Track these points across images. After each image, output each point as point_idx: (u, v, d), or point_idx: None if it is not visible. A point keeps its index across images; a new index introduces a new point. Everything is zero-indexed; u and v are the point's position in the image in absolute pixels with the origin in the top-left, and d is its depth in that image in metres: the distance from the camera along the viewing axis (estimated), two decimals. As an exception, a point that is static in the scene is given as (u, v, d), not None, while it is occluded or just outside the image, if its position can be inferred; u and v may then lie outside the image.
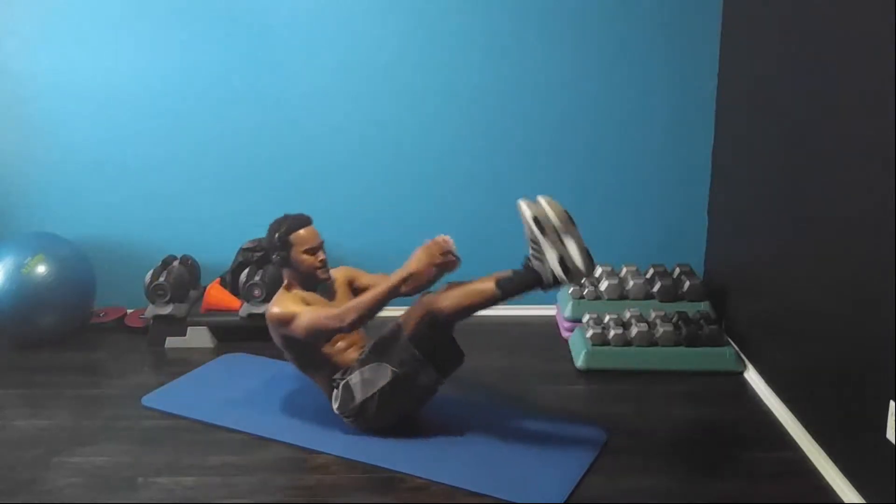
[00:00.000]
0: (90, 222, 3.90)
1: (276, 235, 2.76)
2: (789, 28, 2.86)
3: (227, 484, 2.48)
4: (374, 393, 2.62)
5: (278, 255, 2.78)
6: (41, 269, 3.52)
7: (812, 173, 2.65)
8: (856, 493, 2.31)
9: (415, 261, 2.62)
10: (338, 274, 2.96)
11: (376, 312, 2.61)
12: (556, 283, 2.48)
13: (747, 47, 3.33)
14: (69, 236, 3.79)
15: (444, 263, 2.67)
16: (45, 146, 3.83)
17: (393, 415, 2.68)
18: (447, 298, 2.57)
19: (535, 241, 2.47)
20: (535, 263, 2.51)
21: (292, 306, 2.67)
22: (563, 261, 2.42)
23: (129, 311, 3.90)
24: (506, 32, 3.66)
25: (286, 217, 2.82)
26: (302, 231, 2.77)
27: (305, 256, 2.76)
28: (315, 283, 2.82)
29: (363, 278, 2.99)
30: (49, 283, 3.52)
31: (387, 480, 2.48)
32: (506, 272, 2.59)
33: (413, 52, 3.69)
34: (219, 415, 2.90)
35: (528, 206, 2.49)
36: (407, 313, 2.64)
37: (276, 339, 2.77)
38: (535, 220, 2.45)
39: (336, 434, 2.74)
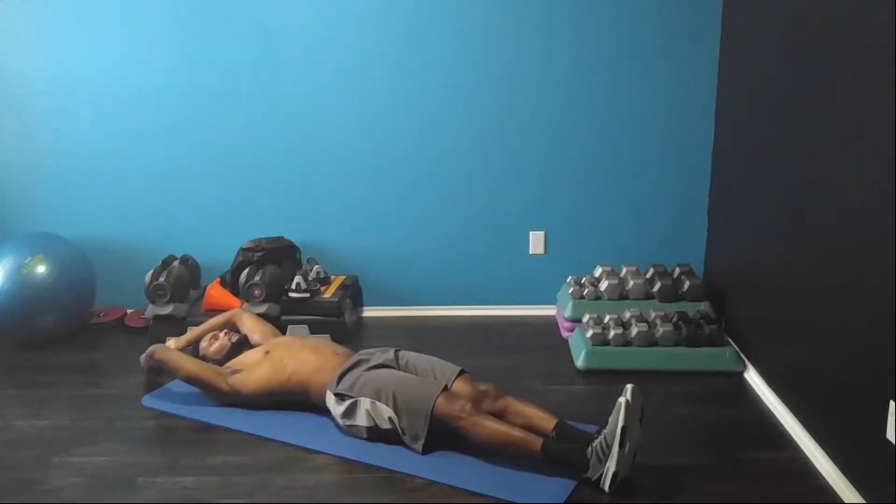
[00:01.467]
0: (90, 222, 3.90)
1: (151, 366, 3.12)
2: (789, 28, 2.86)
3: (226, 484, 2.49)
4: (373, 426, 2.66)
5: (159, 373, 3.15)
6: (41, 269, 3.52)
7: (812, 173, 2.65)
8: (856, 493, 2.31)
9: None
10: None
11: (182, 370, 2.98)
12: (596, 483, 2.37)
13: (747, 47, 3.32)
14: (69, 236, 3.79)
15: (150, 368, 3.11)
16: (45, 146, 3.83)
17: (384, 441, 2.68)
18: (488, 431, 2.48)
19: (609, 442, 2.34)
20: (592, 457, 2.37)
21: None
22: (616, 477, 2.33)
23: (129, 311, 3.89)
24: (506, 33, 3.66)
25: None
26: (202, 344, 3.20)
27: (217, 360, 3.09)
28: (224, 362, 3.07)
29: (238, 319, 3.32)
30: (49, 283, 3.52)
31: (387, 480, 2.48)
32: (552, 428, 2.50)
33: (414, 53, 3.69)
34: (219, 415, 2.90)
35: (626, 411, 2.33)
36: (446, 402, 2.54)
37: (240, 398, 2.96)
38: (624, 430, 2.32)
39: (336, 434, 2.74)
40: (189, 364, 2.95)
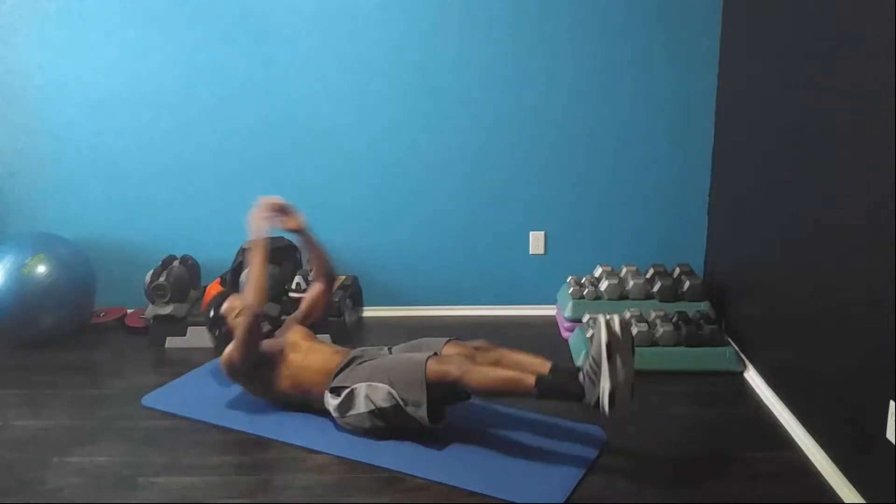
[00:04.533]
0: (90, 222, 3.91)
1: (211, 317, 3.04)
2: (790, 28, 2.86)
3: (227, 484, 2.49)
4: (373, 409, 2.64)
5: (219, 332, 3.03)
6: (41, 269, 3.52)
7: (812, 173, 2.65)
8: (856, 493, 2.31)
9: (251, 229, 2.85)
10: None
11: (261, 279, 2.80)
12: (596, 408, 2.37)
13: (747, 47, 3.33)
14: (69, 236, 3.79)
15: (275, 215, 2.90)
16: (45, 146, 3.83)
17: (386, 431, 2.68)
18: (481, 375, 2.51)
19: (596, 362, 2.35)
20: (586, 382, 2.39)
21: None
22: (614, 395, 2.33)
23: (129, 311, 3.90)
24: (507, 33, 3.66)
25: (214, 298, 3.09)
26: (226, 303, 3.03)
27: (239, 320, 2.86)
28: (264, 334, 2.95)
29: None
30: (49, 283, 3.52)
31: (387, 480, 2.48)
32: (547, 371, 2.52)
33: (414, 54, 3.69)
34: (219, 415, 2.90)
35: (607, 328, 2.35)
36: (438, 362, 2.59)
37: (238, 382, 2.92)
38: (609, 345, 2.33)
39: (336, 434, 2.74)
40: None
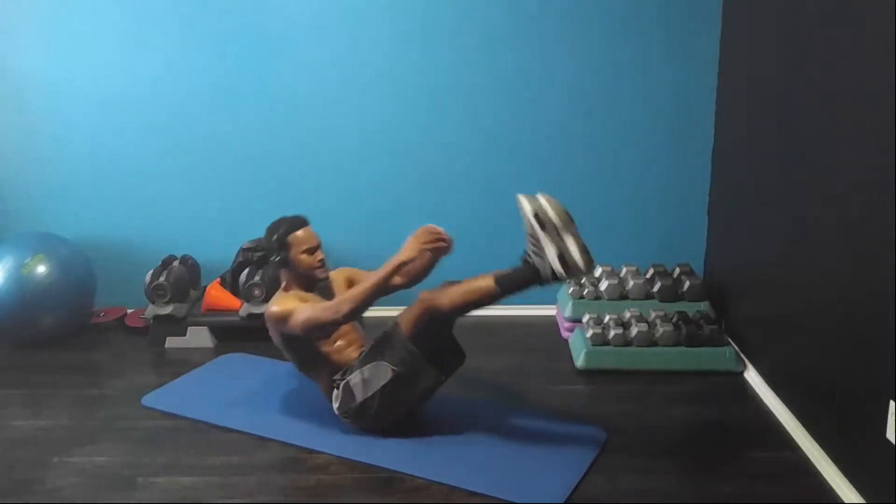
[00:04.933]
0: (90, 222, 3.90)
1: (275, 237, 2.76)
2: (789, 27, 2.86)
3: (227, 484, 2.48)
4: (375, 392, 2.62)
5: (278, 256, 2.77)
6: (41, 269, 3.52)
7: (812, 173, 2.65)
8: (856, 493, 2.31)
9: (406, 249, 2.62)
10: (337, 275, 2.97)
11: (371, 302, 2.62)
12: (556, 278, 2.47)
13: (747, 47, 3.33)
14: (69, 236, 3.79)
15: (436, 248, 2.67)
16: (45, 146, 3.83)
17: (394, 413, 2.68)
18: (446, 296, 2.57)
19: (534, 237, 2.47)
20: (534, 259, 2.51)
21: (290, 304, 2.68)
22: (563, 256, 2.42)
23: (129, 311, 3.89)
24: (506, 32, 3.66)
25: (283, 219, 2.81)
26: (300, 232, 2.77)
27: (304, 257, 2.76)
28: (314, 282, 2.82)
29: (362, 277, 2.95)
30: (49, 283, 3.52)
31: (387, 480, 2.48)
32: (504, 270, 2.60)
33: (414, 53, 3.69)
34: (219, 415, 2.90)
35: (529, 201, 2.50)
36: (405, 312, 2.65)
37: (276, 339, 2.78)
38: (536, 215, 2.46)
39: (336, 434, 2.74)
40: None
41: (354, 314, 2.61)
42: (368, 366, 2.64)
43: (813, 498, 2.37)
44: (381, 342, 2.67)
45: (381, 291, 2.64)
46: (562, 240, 2.45)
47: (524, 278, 2.55)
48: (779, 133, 2.94)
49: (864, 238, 2.28)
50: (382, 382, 2.61)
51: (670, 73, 3.68)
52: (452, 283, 2.65)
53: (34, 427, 2.87)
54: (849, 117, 2.39)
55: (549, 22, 3.64)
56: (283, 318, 2.66)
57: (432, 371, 2.62)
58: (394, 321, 2.67)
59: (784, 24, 2.91)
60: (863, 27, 2.31)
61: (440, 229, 2.69)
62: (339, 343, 2.79)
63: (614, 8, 3.62)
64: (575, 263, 2.44)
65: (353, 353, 2.78)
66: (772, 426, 2.80)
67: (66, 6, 3.67)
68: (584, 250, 2.47)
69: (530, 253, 2.53)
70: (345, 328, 2.79)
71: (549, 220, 2.47)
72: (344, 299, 2.61)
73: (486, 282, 2.56)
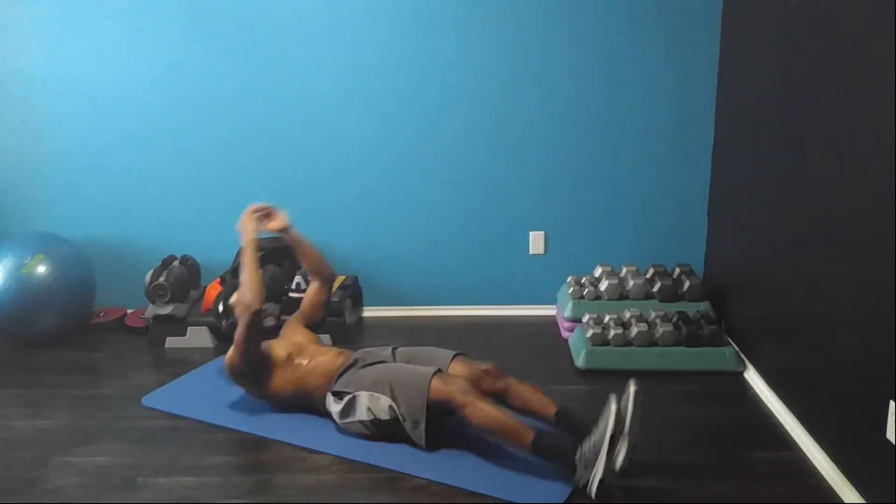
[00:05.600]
0: (90, 222, 3.91)
1: (220, 307, 3.07)
2: (789, 28, 2.86)
3: (227, 484, 2.49)
4: (374, 419, 2.64)
5: (226, 324, 3.07)
6: (41, 269, 3.52)
7: (812, 173, 2.65)
8: (856, 493, 2.31)
9: (244, 231, 2.89)
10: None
11: (255, 276, 2.79)
12: (583, 488, 2.33)
13: (747, 48, 3.32)
14: (69, 236, 3.79)
15: (261, 218, 2.95)
16: (45, 146, 3.83)
17: (386, 437, 2.67)
18: (482, 414, 2.46)
19: (596, 450, 2.30)
20: (580, 461, 2.34)
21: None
22: (602, 484, 2.28)
23: (129, 311, 3.90)
24: (506, 34, 3.66)
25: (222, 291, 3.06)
26: (235, 295, 2.93)
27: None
28: (264, 332, 2.94)
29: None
30: (49, 283, 3.52)
31: (387, 480, 2.48)
32: (552, 414, 2.51)
33: (414, 53, 3.69)
34: (219, 415, 2.90)
35: (616, 417, 2.29)
36: (446, 381, 2.55)
37: (240, 384, 2.91)
38: (613, 437, 2.27)
39: (336, 434, 2.74)
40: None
41: (254, 292, 2.76)
42: (378, 394, 2.63)
43: (813, 498, 2.37)
44: (406, 378, 2.62)
45: (254, 267, 2.82)
46: (616, 464, 2.27)
47: (558, 462, 2.40)
48: (778, 133, 2.94)
49: (864, 238, 2.28)
50: (381, 416, 2.62)
51: (670, 73, 3.68)
52: (501, 377, 2.64)
53: (34, 427, 2.87)
54: (849, 117, 2.39)
55: (550, 23, 3.64)
56: (227, 362, 2.84)
57: (422, 436, 2.58)
58: (429, 375, 2.57)
59: (784, 25, 2.91)
60: (863, 27, 2.31)
61: (263, 203, 2.99)
62: (299, 365, 2.86)
63: (614, 8, 3.62)
64: (609, 490, 2.30)
65: (328, 364, 2.83)
66: (772, 426, 2.81)
67: (67, 8, 3.67)
68: (631, 455, 2.31)
69: (584, 453, 2.33)
70: (300, 345, 2.93)
71: (620, 443, 2.29)
72: (240, 290, 2.80)
73: (525, 433, 2.40)
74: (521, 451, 2.45)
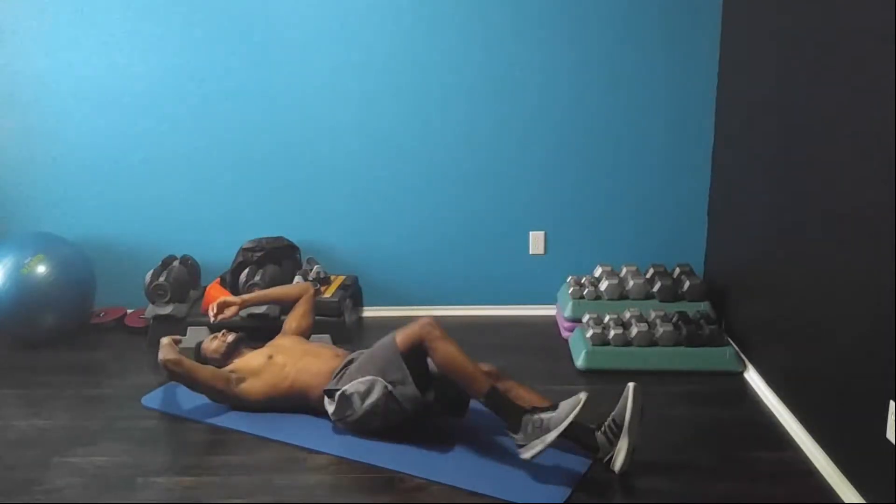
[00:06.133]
0: (90, 222, 3.91)
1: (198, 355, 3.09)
2: (789, 28, 2.86)
3: (227, 484, 2.49)
4: (370, 405, 2.64)
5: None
6: (41, 269, 3.52)
7: (812, 173, 2.65)
8: (856, 493, 2.31)
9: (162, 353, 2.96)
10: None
11: (184, 362, 2.91)
12: (607, 464, 2.49)
13: (747, 47, 3.32)
14: (69, 236, 3.79)
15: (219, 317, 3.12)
16: (45, 146, 3.83)
17: (387, 425, 2.68)
18: (447, 351, 2.56)
19: (619, 423, 2.48)
20: (601, 438, 2.50)
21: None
22: (633, 453, 2.46)
23: (129, 311, 3.90)
24: (506, 32, 3.66)
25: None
26: (204, 342, 3.08)
27: (216, 358, 3.01)
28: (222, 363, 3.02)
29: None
30: (49, 283, 3.52)
31: (387, 480, 2.48)
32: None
33: (413, 52, 3.69)
34: (219, 415, 2.90)
35: (635, 395, 2.47)
36: (407, 329, 2.66)
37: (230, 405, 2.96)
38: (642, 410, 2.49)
39: (336, 434, 2.74)
40: (202, 372, 2.89)
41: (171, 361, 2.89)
42: (365, 379, 2.65)
43: (813, 498, 2.37)
44: (379, 355, 2.68)
45: None
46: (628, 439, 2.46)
47: (501, 413, 2.50)
48: (778, 133, 2.94)
49: (864, 238, 2.28)
50: (375, 398, 2.62)
51: (670, 73, 3.68)
52: (504, 380, 2.66)
53: (34, 427, 2.87)
54: (849, 117, 2.39)
55: (550, 23, 3.64)
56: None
57: (418, 397, 2.59)
58: (392, 336, 2.67)
59: (784, 25, 2.91)
60: (863, 27, 2.31)
61: (211, 306, 3.14)
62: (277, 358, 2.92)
63: (614, 8, 3.61)
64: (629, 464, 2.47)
65: (317, 368, 2.86)
66: (772, 426, 2.81)
67: (67, 8, 3.67)
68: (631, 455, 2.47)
69: (606, 427, 2.51)
70: (282, 346, 3.00)
71: (638, 416, 2.49)
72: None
73: (482, 384, 2.51)
74: (473, 396, 2.56)
